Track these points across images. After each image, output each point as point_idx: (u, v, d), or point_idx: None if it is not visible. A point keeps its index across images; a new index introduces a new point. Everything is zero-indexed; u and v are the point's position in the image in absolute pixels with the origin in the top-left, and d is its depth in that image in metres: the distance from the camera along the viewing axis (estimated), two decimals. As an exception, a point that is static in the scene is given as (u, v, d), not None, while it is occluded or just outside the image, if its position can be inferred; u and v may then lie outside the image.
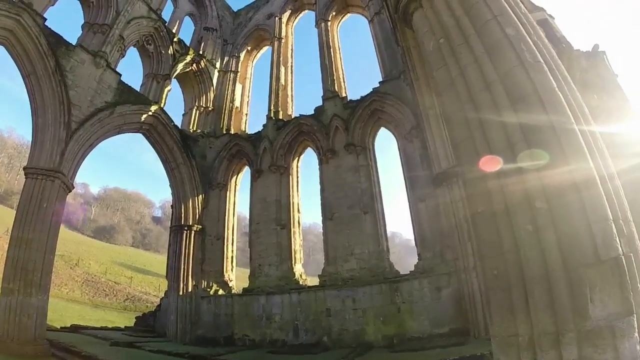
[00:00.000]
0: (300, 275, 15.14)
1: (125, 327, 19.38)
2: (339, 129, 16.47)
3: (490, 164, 4.60)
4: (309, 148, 18.03)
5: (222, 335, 15.13)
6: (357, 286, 13.01)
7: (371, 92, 16.38)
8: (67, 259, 50.24)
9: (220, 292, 16.53)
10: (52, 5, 15.85)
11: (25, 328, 10.86)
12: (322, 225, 15.56)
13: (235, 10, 26.86)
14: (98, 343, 13.48)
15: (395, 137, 15.43)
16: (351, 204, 14.72)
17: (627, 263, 3.70)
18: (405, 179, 14.10)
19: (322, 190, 15.82)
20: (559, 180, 4.05)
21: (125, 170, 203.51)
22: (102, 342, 13.68)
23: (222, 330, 15.33)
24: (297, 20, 24.47)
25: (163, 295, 17.64)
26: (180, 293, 16.32)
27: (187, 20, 24.65)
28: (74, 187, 14.36)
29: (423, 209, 12.92)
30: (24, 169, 13.29)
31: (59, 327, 17.29)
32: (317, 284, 14.31)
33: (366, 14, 19.89)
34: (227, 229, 18.07)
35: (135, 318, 19.64)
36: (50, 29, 14.74)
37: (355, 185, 15.04)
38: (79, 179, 14.77)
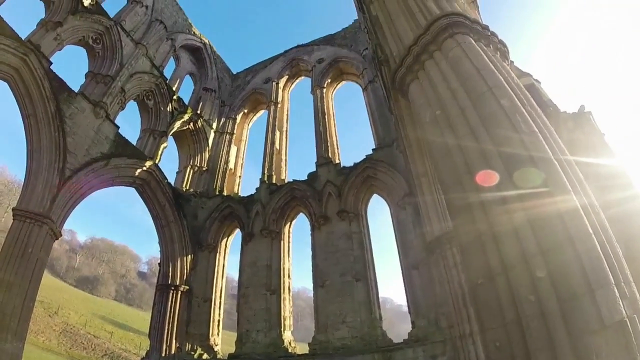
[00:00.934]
0: (290, 343, 14.65)
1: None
2: (332, 195, 16.58)
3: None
4: (301, 213, 18.04)
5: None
6: (349, 355, 12.62)
7: (364, 159, 16.70)
8: (46, 306, 48.74)
9: (205, 356, 15.98)
10: (60, 49, 16.52)
11: (-6, 375, 10.34)
12: (312, 291, 15.36)
13: (234, 73, 27.83)
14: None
15: (387, 203, 15.57)
16: (343, 272, 14.56)
17: (631, 325, 3.66)
18: (397, 246, 14.07)
19: (314, 257, 15.70)
20: (559, 242, 4.08)
21: (114, 220, 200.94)
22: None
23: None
24: (293, 86, 25.36)
25: (144, 355, 16.93)
26: (163, 354, 15.76)
27: (188, 79, 25.45)
28: (61, 235, 14.20)
29: (416, 276, 12.82)
30: (13, 209, 13.21)
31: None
32: (307, 352, 13.86)
33: (360, 82, 20.70)
34: (215, 292, 17.70)
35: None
36: (54, 73, 15.24)
37: (347, 252, 14.95)
38: (66, 225, 14.64)
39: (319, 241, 15.92)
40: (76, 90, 16.28)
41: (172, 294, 17.21)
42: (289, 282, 16.27)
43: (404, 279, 13.34)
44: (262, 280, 16.27)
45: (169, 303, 17.00)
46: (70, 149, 14.84)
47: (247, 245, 17.70)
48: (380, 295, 14.42)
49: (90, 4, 18.22)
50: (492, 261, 4.51)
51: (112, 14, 19.74)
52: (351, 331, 13.27)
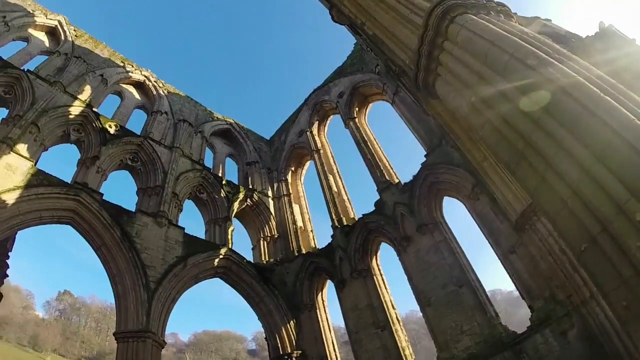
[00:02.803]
0: None
1: None
2: (405, 215, 16.47)
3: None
4: (382, 243, 17.98)
5: None
6: None
7: (421, 167, 16.65)
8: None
9: None
10: (105, 179, 17.93)
11: None
12: (420, 312, 15.05)
13: (268, 139, 28.79)
14: None
15: (460, 201, 15.20)
16: (444, 283, 14.21)
17: None
18: (486, 237, 13.71)
19: (410, 279, 15.49)
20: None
21: (209, 311, 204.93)
22: None
23: None
24: (326, 127, 25.89)
25: None
26: None
27: (229, 161, 26.50)
28: (165, 343, 14.96)
29: (516, 260, 12.34)
30: (114, 334, 14.21)
31: None
32: None
33: (386, 98, 20.82)
34: (328, 347, 17.61)
35: None
36: (108, 202, 16.53)
37: (440, 264, 14.65)
38: (167, 330, 15.54)
39: (410, 263, 15.73)
40: (133, 209, 17.50)
41: None
42: (395, 313, 16.02)
43: (505, 267, 12.87)
44: (368, 321, 16.14)
45: None
46: (147, 263, 15.87)
47: (342, 292, 17.75)
48: (487, 290, 13.84)
49: (116, 130, 19.60)
50: (587, 222, 4.27)
51: (138, 131, 21.25)
52: (473, 338, 12.78)
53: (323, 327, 18.15)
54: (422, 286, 14.86)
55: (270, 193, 24.25)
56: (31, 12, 22.23)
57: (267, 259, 21.22)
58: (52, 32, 22.99)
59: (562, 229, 4.88)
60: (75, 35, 23.28)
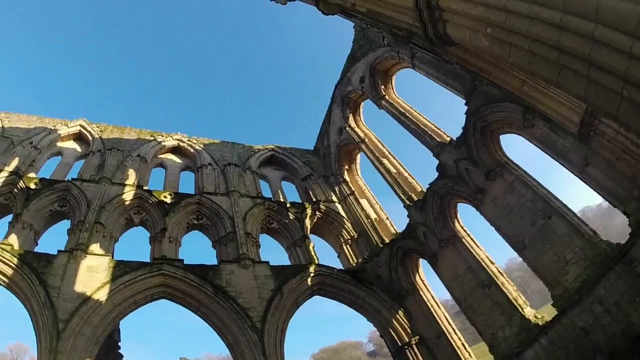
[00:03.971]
0: (535, 316, 13.58)
1: None
2: (469, 169, 16.08)
3: None
4: (458, 204, 17.57)
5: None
6: (596, 285, 11.18)
7: (466, 117, 16.18)
8: None
9: None
10: (180, 246, 18.87)
11: None
12: (519, 257, 14.51)
13: (312, 149, 28.94)
14: None
15: (516, 134, 14.57)
16: (532, 220, 13.58)
17: None
18: (555, 159, 13.01)
19: (498, 229, 14.97)
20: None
21: (318, 330, 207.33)
22: None
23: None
24: (362, 116, 25.65)
25: None
26: None
27: (285, 184, 26.74)
28: None
29: (593, 171, 11.59)
30: None
31: None
32: (555, 312, 12.70)
33: (405, 64, 20.40)
34: (442, 323, 17.25)
35: None
36: (190, 265, 17.31)
37: (521, 203, 14.04)
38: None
39: (491, 213, 15.24)
40: (215, 262, 18.32)
41: (410, 352, 17.37)
42: (495, 268, 15.44)
43: (585, 182, 12.04)
44: (472, 284, 15.74)
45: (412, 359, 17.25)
46: (246, 306, 16.53)
47: (437, 265, 17.47)
48: (576, 211, 13.06)
49: (172, 199, 20.69)
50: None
51: (191, 191, 22.33)
52: (579, 264, 11.98)
53: (431, 306, 17.84)
54: (511, 231, 14.33)
55: (334, 198, 24.29)
56: (52, 128, 23.97)
57: (355, 261, 21.29)
58: (78, 137, 24.67)
59: (628, 121, 4.56)
60: (100, 131, 24.74)
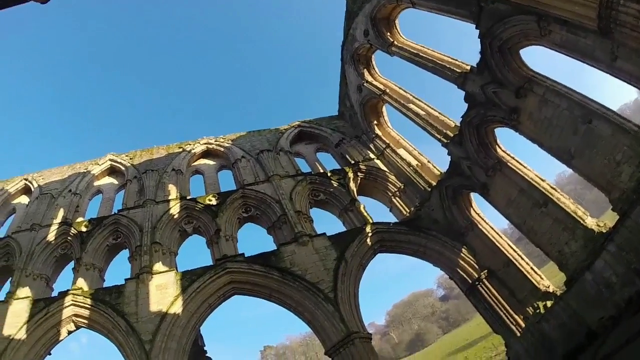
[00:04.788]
0: (598, 225, 13.19)
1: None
2: (497, 91, 15.56)
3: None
4: (495, 129, 17.12)
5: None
6: None
7: (481, 40, 15.49)
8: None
9: (548, 303, 15.01)
10: (237, 241, 20.03)
11: None
12: (569, 169, 14.21)
13: (337, 114, 28.78)
14: None
15: (538, 44, 13.89)
16: (573, 128, 12.98)
17: None
18: (581, 61, 12.13)
19: (541, 144, 14.47)
20: None
21: (387, 288, 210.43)
22: None
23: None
24: (376, 68, 25.21)
25: (505, 347, 17.03)
26: (518, 334, 15.82)
27: (321, 155, 26.99)
28: (370, 334, 16.04)
29: (623, 63, 10.54)
30: (326, 353, 16.18)
31: None
32: (617, 217, 12.06)
33: (405, 5, 19.94)
34: (507, 252, 17.14)
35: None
36: (252, 256, 18.32)
37: (558, 113, 13.51)
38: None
39: (531, 130, 14.79)
40: (275, 247, 19.07)
41: (482, 286, 17.48)
42: (547, 185, 15.06)
43: (618, 77, 11.19)
44: (527, 206, 15.46)
45: (486, 294, 17.31)
46: (315, 280, 17.23)
47: (490, 195, 17.26)
48: (615, 107, 12.50)
49: (217, 200, 21.50)
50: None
51: (233, 187, 22.77)
52: (631, 163, 11.20)
53: (492, 237, 17.76)
54: (555, 144, 13.84)
55: (372, 155, 24.16)
56: (85, 170, 25.38)
57: (408, 211, 21.35)
58: (112, 171, 26.02)
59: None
60: (130, 159, 25.82)
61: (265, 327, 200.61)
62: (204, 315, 16.98)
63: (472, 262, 18.04)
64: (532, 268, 16.51)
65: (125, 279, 18.01)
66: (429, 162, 22.22)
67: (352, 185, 22.20)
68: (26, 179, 25.98)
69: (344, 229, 20.64)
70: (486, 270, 17.60)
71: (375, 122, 25.34)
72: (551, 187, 14.94)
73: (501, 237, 17.91)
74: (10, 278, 19.79)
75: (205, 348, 23.48)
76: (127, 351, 15.54)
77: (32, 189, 25.06)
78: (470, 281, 17.87)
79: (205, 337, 24.16)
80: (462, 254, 18.25)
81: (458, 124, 18.38)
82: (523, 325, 15.85)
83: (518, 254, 17.01)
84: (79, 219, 22.07)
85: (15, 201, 25.43)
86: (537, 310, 15.22)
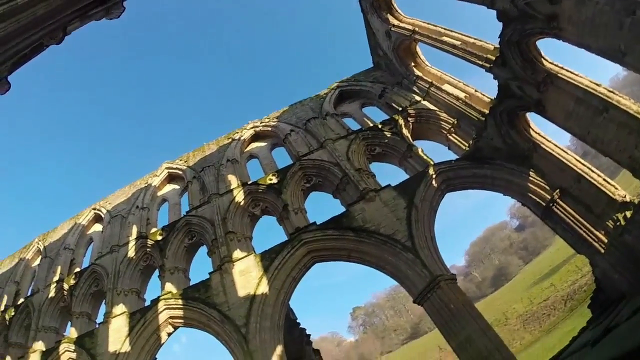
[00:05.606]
0: None
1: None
2: (530, 1, 14.60)
3: None
4: (537, 41, 16.11)
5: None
6: None
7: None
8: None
9: (628, 213, 14.47)
10: (306, 212, 20.43)
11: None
12: (622, 66, 13.62)
13: (373, 65, 28.52)
14: None
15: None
16: (618, 23, 11.84)
17: None
18: None
19: (589, 48, 13.38)
20: None
21: (461, 228, 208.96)
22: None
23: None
24: (398, 10, 24.62)
25: (589, 269, 16.90)
26: (602, 251, 15.47)
27: (367, 109, 26.95)
28: (454, 275, 16.37)
29: None
30: (414, 302, 16.25)
31: None
32: None
33: None
34: (575, 166, 16.55)
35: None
36: (324, 222, 18.75)
37: (598, 10, 12.30)
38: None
39: (575, 35, 13.63)
40: (344, 209, 19.67)
41: (556, 207, 17.19)
42: (602, 89, 13.79)
43: None
44: (587, 114, 14.69)
45: (562, 214, 17.00)
46: (390, 232, 17.75)
47: (547, 111, 16.48)
48: None
49: (277, 178, 22.33)
50: None
51: (289, 162, 23.34)
52: None
53: (558, 154, 17.21)
54: (602, 44, 12.80)
55: (417, 98, 23.87)
56: (145, 184, 27.32)
57: (466, 145, 21.06)
58: (171, 178, 27.82)
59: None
60: (184, 162, 27.28)
61: (351, 290, 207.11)
62: (290, 290, 17.97)
63: (542, 184, 17.69)
64: (604, 180, 16.01)
65: (209, 273, 19.32)
66: (476, 91, 21.57)
67: (405, 131, 22.19)
68: (94, 209, 28.22)
69: (407, 176, 20.77)
70: (558, 190, 17.19)
71: (412, 63, 24.88)
72: (609, 91, 14.13)
73: (567, 152, 17.34)
74: (104, 300, 21.77)
75: (297, 321, 24.87)
76: (226, 338, 16.92)
77: (103, 216, 27.17)
78: (544, 204, 17.55)
79: (296, 310, 25.45)
80: (530, 178, 17.94)
81: (497, 46, 17.65)
82: (605, 240, 15.47)
83: (587, 167, 16.47)
84: (153, 230, 23.63)
85: (90, 231, 27.77)
86: (617, 223, 14.82)
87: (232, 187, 22.92)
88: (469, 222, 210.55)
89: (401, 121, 22.66)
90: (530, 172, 18.07)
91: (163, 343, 18.93)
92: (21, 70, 12.84)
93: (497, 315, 54.87)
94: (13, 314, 24.74)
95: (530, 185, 17.95)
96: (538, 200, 17.83)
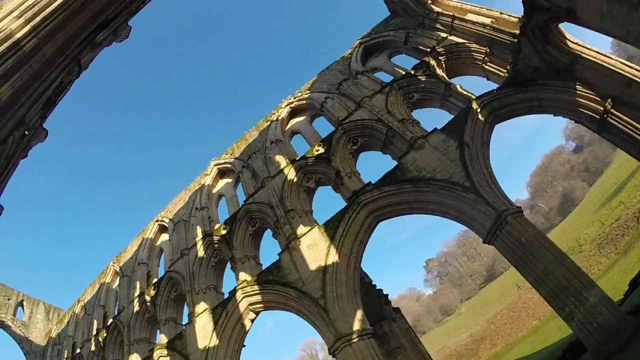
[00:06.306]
0: None
1: None
2: None
3: None
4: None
5: None
6: None
7: None
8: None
9: None
10: (359, 174, 20.33)
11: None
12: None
13: (390, 13, 28.14)
14: None
15: None
16: None
17: None
18: None
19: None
20: None
21: (515, 158, 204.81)
22: None
23: None
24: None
25: None
26: None
27: (396, 59, 26.87)
28: (520, 207, 16.11)
29: None
30: (484, 242, 16.79)
31: None
32: None
33: None
34: (624, 71, 15.88)
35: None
36: (378, 180, 19.10)
37: None
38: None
39: None
40: (396, 162, 19.95)
41: (611, 117, 16.45)
42: None
43: None
44: (623, 11, 12.28)
45: (619, 124, 16.27)
46: (446, 176, 17.89)
47: (579, 17, 14.61)
48: None
49: (323, 147, 23.01)
50: None
51: (331, 128, 23.88)
52: None
53: (602, 61, 16.45)
54: None
55: (443, 34, 23.46)
56: (199, 185, 28.97)
57: (505, 71, 20.48)
58: (222, 173, 29.55)
59: None
60: (231, 154, 28.86)
61: (420, 243, 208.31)
62: (359, 253, 18.65)
63: (592, 96, 16.91)
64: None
65: (278, 254, 20.39)
66: (501, 14, 20.98)
67: (439, 71, 21.96)
68: (157, 220, 30.13)
69: (451, 116, 20.57)
70: (610, 100, 16.41)
71: (429, 1, 24.31)
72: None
73: (611, 58, 16.53)
74: (185, 302, 23.38)
75: (373, 283, 25.78)
76: (306, 313, 17.95)
77: (167, 225, 28.99)
78: (598, 117, 16.81)
79: (370, 273, 26.33)
80: (577, 92, 17.26)
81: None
82: None
83: (636, 70, 15.69)
84: (216, 226, 25.04)
85: (158, 242, 29.70)
86: None
87: (281, 167, 23.70)
88: (524, 153, 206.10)
89: (432, 62, 22.38)
90: (577, 86, 17.38)
91: (248, 330, 20.31)
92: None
93: (569, 244, 53.79)
94: (105, 334, 27.02)
95: (579, 100, 17.30)
96: (590, 114, 17.12)
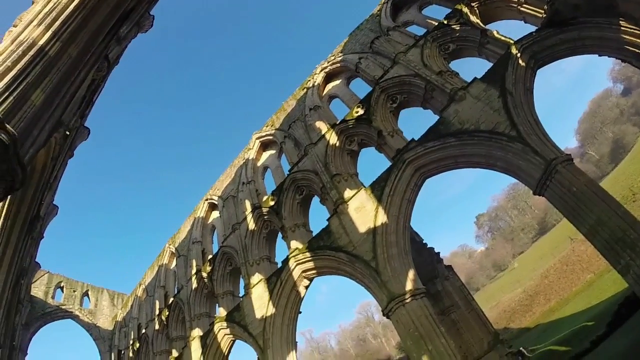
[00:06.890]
0: None
1: None
2: None
3: None
4: None
5: None
6: None
7: None
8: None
9: None
10: (402, 132, 20.40)
11: None
12: None
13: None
14: None
15: None
16: None
17: None
18: None
19: None
20: None
21: (560, 105, 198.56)
22: None
23: None
24: None
25: None
26: None
27: (427, 11, 26.39)
28: (569, 155, 15.61)
29: None
30: (535, 193, 16.40)
31: None
32: None
33: None
34: None
35: None
36: (421, 137, 19.07)
37: None
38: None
39: None
40: (437, 117, 19.67)
41: None
42: None
43: None
44: None
45: None
46: (489, 127, 17.48)
47: None
48: None
49: (362, 108, 23.05)
50: None
51: (368, 89, 23.96)
52: None
53: None
54: None
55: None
56: (244, 160, 30.10)
57: (542, 12, 19.53)
58: (265, 145, 30.65)
59: None
60: (271, 126, 29.81)
61: (470, 199, 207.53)
62: (408, 213, 18.77)
63: (638, 31, 16.06)
64: None
65: (327, 219, 20.93)
66: None
67: (473, 18, 21.40)
68: (207, 199, 31.61)
69: (489, 65, 19.98)
70: None
71: None
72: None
73: None
74: (241, 275, 24.45)
75: (424, 242, 26.22)
76: (359, 276, 18.43)
77: (216, 202, 30.39)
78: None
79: (421, 232, 26.64)
80: (622, 28, 16.38)
81: None
82: None
83: None
84: (264, 198, 26.04)
85: (210, 220, 31.13)
86: None
87: (323, 132, 24.08)
88: (570, 98, 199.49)
89: (465, 9, 21.77)
90: (621, 22, 16.48)
91: (303, 297, 21.25)
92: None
93: (623, 192, 51.63)
94: (167, 313, 28.51)
95: (625, 37, 16.40)
96: (638, 51, 16.27)
